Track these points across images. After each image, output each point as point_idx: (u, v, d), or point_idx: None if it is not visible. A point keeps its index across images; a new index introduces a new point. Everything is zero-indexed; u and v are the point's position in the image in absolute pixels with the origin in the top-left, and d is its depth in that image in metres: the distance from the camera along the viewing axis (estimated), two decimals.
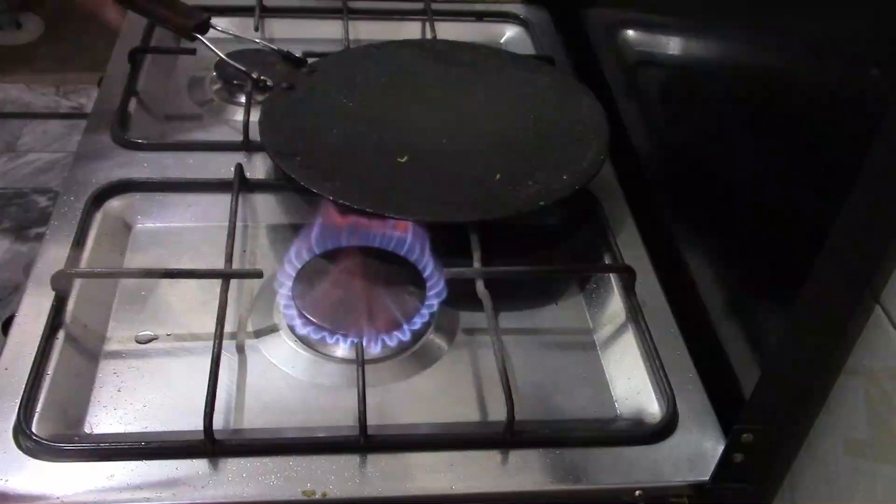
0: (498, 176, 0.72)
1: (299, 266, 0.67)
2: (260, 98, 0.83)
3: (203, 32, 0.82)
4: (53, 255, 0.66)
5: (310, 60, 0.86)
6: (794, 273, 0.49)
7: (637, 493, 0.56)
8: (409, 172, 0.73)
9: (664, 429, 0.58)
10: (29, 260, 0.68)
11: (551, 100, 0.83)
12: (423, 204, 0.70)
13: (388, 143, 0.76)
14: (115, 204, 0.73)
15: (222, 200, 0.73)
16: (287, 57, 0.86)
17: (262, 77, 0.84)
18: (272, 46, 0.88)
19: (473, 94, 0.84)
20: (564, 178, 0.72)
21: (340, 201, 0.67)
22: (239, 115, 0.83)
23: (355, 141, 0.76)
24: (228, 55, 0.85)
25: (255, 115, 0.78)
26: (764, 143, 0.57)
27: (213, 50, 0.83)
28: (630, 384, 0.63)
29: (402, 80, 0.85)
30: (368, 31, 0.99)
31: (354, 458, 0.55)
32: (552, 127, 0.80)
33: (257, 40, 0.89)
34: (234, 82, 0.88)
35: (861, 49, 0.45)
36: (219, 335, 0.59)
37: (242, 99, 0.84)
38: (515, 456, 0.57)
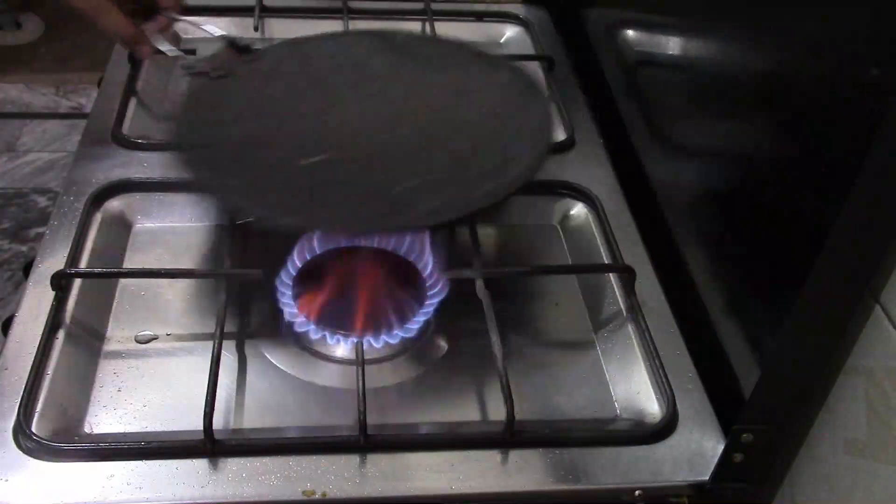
0: (405, 186, 0.65)
1: (299, 266, 0.67)
2: None
3: (146, 18, 0.76)
4: (53, 255, 0.67)
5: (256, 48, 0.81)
6: (794, 273, 0.49)
7: (637, 492, 0.56)
8: (314, 176, 0.66)
9: (664, 429, 0.58)
10: (29, 260, 0.68)
11: (501, 101, 0.74)
12: (308, 210, 0.64)
13: (300, 142, 0.69)
14: (114, 204, 0.73)
15: None
16: (231, 43, 0.79)
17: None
18: (221, 32, 0.81)
19: (419, 90, 0.77)
20: (482, 190, 0.64)
21: (225, 200, 0.65)
22: None
23: (265, 137, 0.70)
24: None
25: None
26: (764, 143, 0.57)
27: (211, 51, 0.83)
28: (630, 384, 0.63)
29: (348, 74, 0.78)
30: None
31: (354, 458, 0.55)
32: (491, 131, 0.71)
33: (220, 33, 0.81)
34: None
35: (861, 49, 0.45)
36: (219, 335, 0.59)
37: None
38: (515, 456, 0.57)
